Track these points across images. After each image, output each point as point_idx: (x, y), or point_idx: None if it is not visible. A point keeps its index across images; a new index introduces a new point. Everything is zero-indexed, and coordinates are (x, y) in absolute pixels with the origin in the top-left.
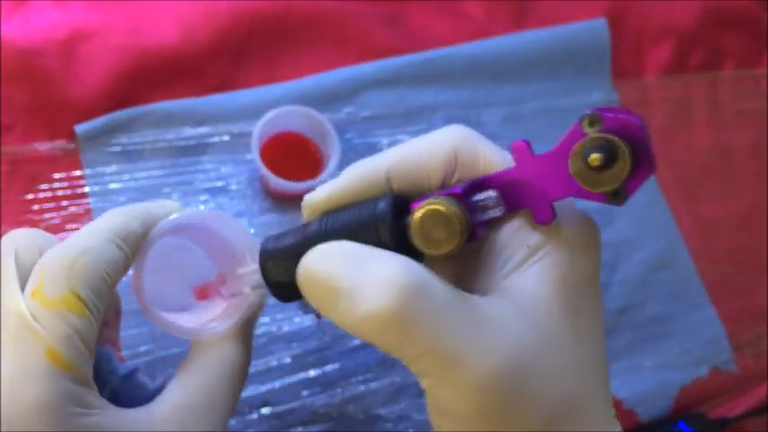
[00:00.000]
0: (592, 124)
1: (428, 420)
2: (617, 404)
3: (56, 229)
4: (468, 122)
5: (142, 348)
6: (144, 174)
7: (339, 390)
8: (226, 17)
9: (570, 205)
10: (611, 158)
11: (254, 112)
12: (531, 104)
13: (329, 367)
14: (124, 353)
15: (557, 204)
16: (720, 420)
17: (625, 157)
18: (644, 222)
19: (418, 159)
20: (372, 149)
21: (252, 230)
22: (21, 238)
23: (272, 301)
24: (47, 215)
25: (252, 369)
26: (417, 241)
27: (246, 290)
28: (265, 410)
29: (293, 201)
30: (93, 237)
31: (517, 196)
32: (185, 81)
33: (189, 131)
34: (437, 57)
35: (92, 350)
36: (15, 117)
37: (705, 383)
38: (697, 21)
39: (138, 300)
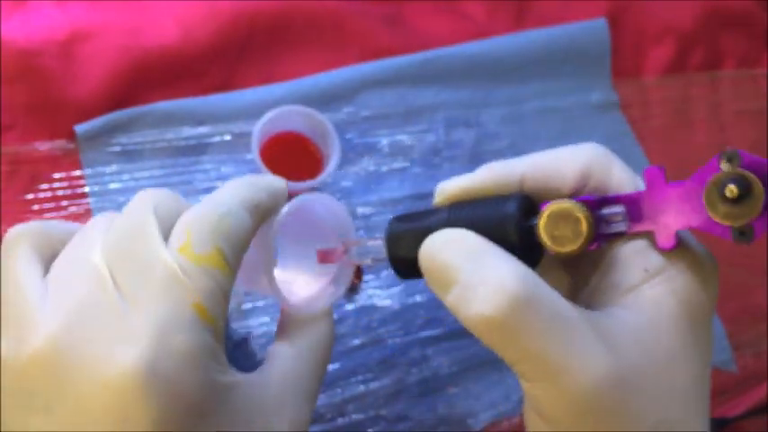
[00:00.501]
0: (730, 161)
1: (428, 420)
2: None
3: None
4: (467, 122)
5: None
6: (144, 174)
7: (339, 390)
8: (226, 17)
9: (692, 237)
10: (745, 194)
11: (254, 112)
12: (531, 104)
13: (329, 367)
14: None
15: (681, 234)
16: (720, 420)
17: (759, 194)
18: None
19: (554, 167)
20: (372, 149)
21: None
22: (157, 195)
23: (270, 301)
24: (47, 215)
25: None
26: (543, 236)
27: (369, 260)
28: None
29: None
30: (232, 202)
31: (644, 218)
32: (185, 81)
33: (189, 131)
34: (437, 57)
35: (227, 309)
36: (15, 117)
37: None
38: (697, 21)
39: (267, 274)
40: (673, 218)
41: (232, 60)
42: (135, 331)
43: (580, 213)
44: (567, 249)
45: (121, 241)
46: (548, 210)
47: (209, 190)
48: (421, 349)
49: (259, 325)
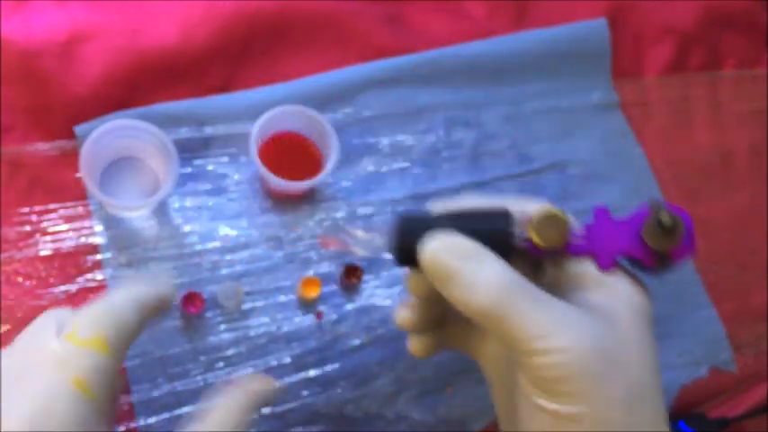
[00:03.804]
0: (658, 207)
1: (428, 420)
2: None
3: (56, 229)
4: (467, 122)
5: (141, 350)
6: None
7: (339, 390)
8: (226, 17)
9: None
10: (672, 227)
11: (254, 113)
12: (531, 104)
13: (329, 367)
14: None
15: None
16: (720, 420)
17: (681, 228)
18: None
19: (520, 208)
20: (372, 149)
21: (253, 231)
22: (59, 309)
23: (271, 301)
24: (46, 216)
25: (251, 369)
26: (533, 233)
27: (363, 251)
28: (265, 410)
29: (293, 200)
30: (118, 298)
31: (589, 245)
32: (185, 82)
33: (189, 132)
34: (437, 57)
35: (113, 388)
36: (15, 117)
37: (705, 383)
38: (697, 21)
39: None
40: (613, 245)
41: (232, 61)
42: (19, 402)
43: (563, 216)
44: (552, 244)
45: (24, 337)
46: (538, 213)
47: (209, 191)
48: None
49: (259, 325)
